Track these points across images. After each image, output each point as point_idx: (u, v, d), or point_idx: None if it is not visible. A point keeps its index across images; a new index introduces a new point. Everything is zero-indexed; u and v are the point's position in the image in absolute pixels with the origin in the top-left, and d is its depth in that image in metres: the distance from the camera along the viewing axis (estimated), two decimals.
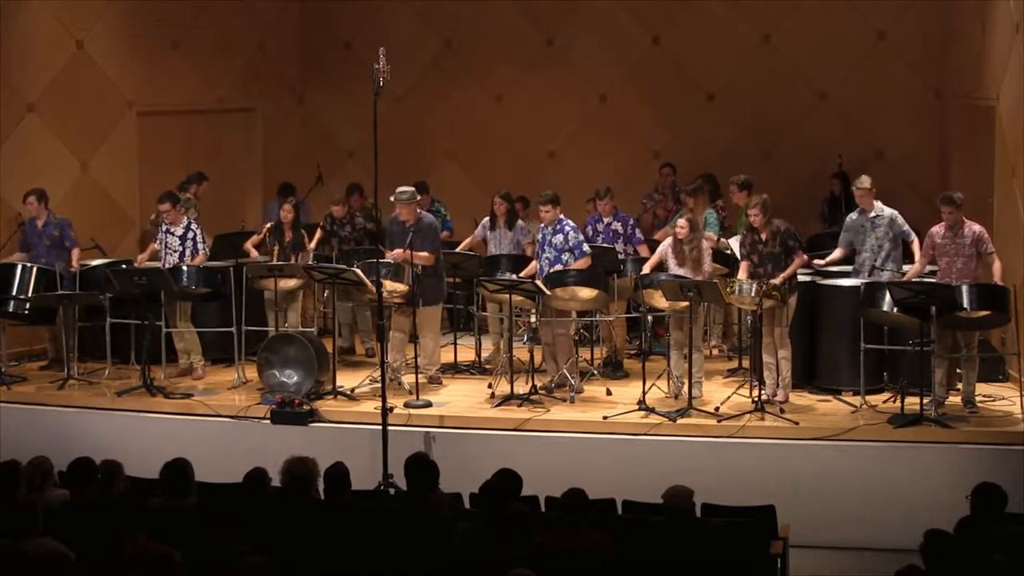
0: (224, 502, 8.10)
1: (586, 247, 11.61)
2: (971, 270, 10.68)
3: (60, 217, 12.78)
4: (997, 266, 10.72)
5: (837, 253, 11.74)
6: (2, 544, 6.82)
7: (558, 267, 11.48)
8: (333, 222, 13.49)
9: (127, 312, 12.14)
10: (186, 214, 12.84)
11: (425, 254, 11.53)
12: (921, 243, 11.19)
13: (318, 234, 13.45)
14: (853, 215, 11.65)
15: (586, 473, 9.67)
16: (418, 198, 11.93)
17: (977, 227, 10.75)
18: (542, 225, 11.71)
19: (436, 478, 7.98)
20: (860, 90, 15.19)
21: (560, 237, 11.56)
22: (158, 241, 12.47)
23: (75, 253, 12.68)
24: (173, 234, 12.36)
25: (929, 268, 11.07)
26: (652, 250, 12.43)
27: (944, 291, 10.28)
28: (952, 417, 10.45)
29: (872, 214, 11.45)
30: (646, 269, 11.53)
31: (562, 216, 11.68)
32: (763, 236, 10.94)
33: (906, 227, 11.44)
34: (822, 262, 11.78)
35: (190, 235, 12.34)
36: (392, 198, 11.54)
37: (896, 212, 11.46)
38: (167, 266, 12.15)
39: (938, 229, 10.83)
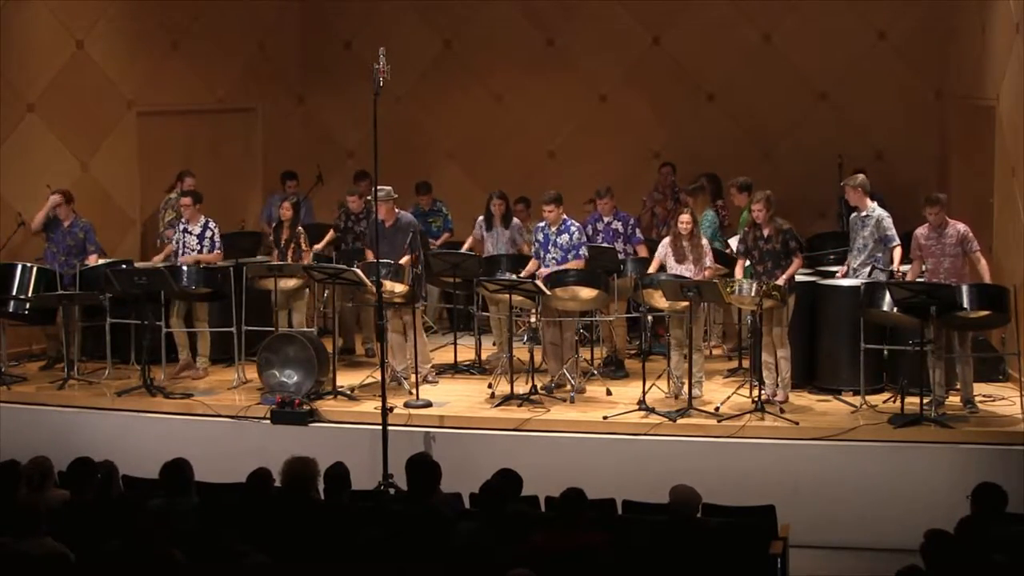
0: (224, 502, 8.10)
1: (584, 251, 11.61)
2: (958, 269, 10.66)
3: (86, 220, 12.81)
4: (983, 265, 10.69)
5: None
6: (2, 544, 6.82)
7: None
8: (348, 217, 13.35)
9: (127, 312, 12.13)
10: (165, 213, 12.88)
11: (406, 259, 11.55)
12: (906, 250, 11.16)
13: (330, 234, 13.36)
14: (854, 213, 11.62)
15: (586, 473, 9.67)
16: (395, 196, 11.92)
17: (961, 226, 10.72)
18: (543, 224, 11.71)
19: (438, 479, 7.98)
20: (860, 90, 15.17)
21: (566, 237, 11.58)
22: (175, 242, 12.44)
23: (93, 259, 12.68)
24: (191, 232, 12.36)
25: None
26: (651, 250, 12.44)
27: (944, 291, 10.27)
28: (952, 417, 10.45)
29: (864, 213, 11.41)
30: (650, 271, 11.51)
31: (566, 216, 11.69)
32: (765, 232, 10.95)
33: (890, 232, 11.22)
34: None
35: (208, 233, 12.36)
36: (368, 197, 11.51)
37: (885, 215, 11.30)
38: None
39: (922, 230, 10.80)
